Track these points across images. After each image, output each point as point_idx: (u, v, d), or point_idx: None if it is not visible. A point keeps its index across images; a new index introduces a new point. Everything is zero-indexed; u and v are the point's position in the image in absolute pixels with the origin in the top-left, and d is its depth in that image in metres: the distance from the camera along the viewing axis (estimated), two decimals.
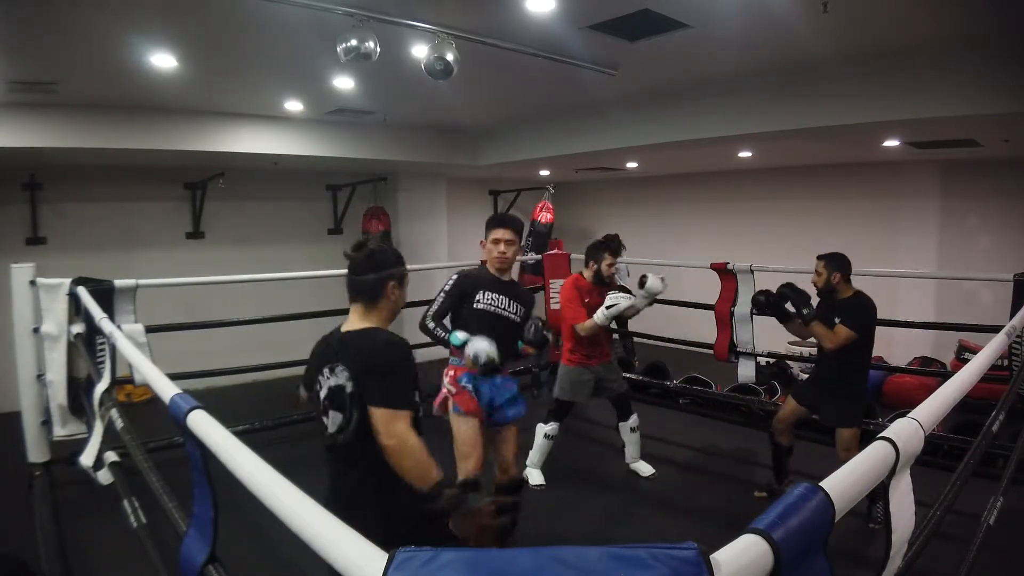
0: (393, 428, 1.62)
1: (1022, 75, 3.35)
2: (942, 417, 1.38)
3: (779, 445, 3.62)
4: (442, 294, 2.86)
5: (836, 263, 3.32)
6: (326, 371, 1.75)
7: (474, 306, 2.83)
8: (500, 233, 2.88)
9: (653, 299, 3.81)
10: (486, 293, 2.85)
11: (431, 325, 2.80)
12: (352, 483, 1.74)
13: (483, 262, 3.00)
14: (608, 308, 3.59)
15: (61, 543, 3.03)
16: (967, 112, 3.59)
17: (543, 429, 4.03)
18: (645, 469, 4.10)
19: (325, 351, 1.80)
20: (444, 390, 2.90)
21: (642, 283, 3.79)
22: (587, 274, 3.89)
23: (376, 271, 1.78)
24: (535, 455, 4.03)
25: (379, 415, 1.63)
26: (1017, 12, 2.88)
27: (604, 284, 3.85)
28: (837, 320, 3.27)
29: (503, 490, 2.90)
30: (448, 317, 2.87)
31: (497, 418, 2.91)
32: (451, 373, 2.91)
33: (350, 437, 1.70)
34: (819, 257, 3.38)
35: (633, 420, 4.05)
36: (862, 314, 3.27)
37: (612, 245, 3.86)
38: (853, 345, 3.22)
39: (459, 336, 2.70)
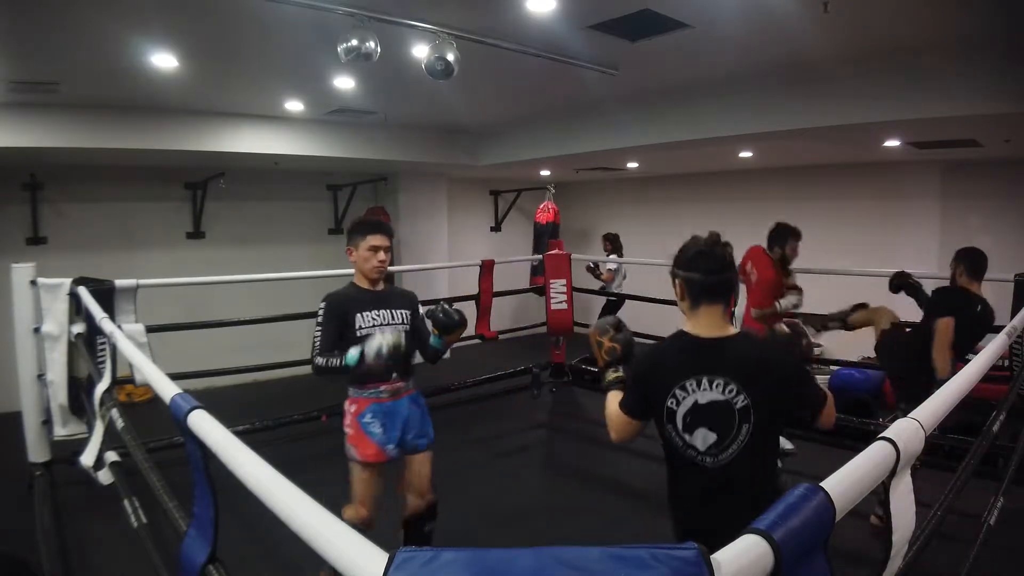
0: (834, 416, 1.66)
1: (1022, 75, 3.35)
2: (943, 417, 1.38)
3: None
4: (318, 328, 2.48)
5: (961, 257, 3.28)
6: (692, 383, 1.56)
7: (357, 334, 2.47)
8: (379, 239, 2.53)
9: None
10: (365, 314, 2.51)
11: (320, 361, 2.42)
12: (732, 507, 1.51)
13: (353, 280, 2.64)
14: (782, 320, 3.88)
15: (62, 543, 3.04)
16: (968, 112, 3.58)
17: None
18: (785, 444, 4.08)
19: (688, 360, 1.59)
20: (345, 428, 2.56)
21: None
22: (774, 259, 4.05)
23: (733, 268, 1.66)
24: None
25: (826, 411, 1.63)
26: (1018, 12, 2.88)
27: (787, 270, 4.05)
28: None
29: (416, 519, 2.64)
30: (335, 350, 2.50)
31: (409, 447, 2.63)
32: (352, 409, 2.55)
33: (734, 456, 1.54)
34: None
35: None
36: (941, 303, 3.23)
37: (795, 229, 4.06)
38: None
39: (353, 352, 2.35)
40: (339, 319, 2.49)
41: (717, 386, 1.54)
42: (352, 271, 2.62)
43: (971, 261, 3.20)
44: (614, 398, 1.77)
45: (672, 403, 1.58)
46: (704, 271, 1.60)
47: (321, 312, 2.49)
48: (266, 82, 4.35)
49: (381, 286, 2.61)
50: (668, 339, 1.69)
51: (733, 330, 1.62)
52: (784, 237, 4.02)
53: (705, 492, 1.59)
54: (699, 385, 1.56)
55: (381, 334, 2.38)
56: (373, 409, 2.53)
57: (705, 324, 1.61)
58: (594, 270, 7.04)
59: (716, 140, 4.88)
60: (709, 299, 1.61)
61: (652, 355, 1.70)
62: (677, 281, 1.67)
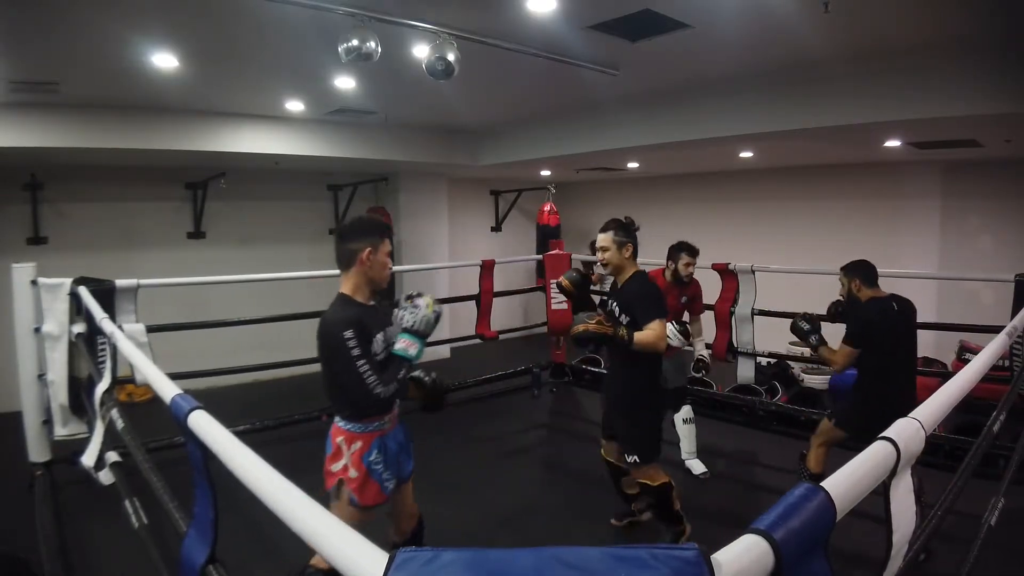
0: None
1: (1022, 75, 3.35)
2: (943, 417, 1.38)
3: None
4: (360, 360, 2.03)
5: (852, 270, 3.23)
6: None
7: (377, 359, 2.15)
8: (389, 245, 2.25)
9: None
10: (377, 336, 2.18)
11: (387, 388, 2.07)
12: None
13: (344, 293, 2.21)
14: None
15: (62, 543, 3.04)
16: (968, 112, 3.58)
17: (677, 417, 4.10)
18: (698, 468, 4.03)
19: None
20: (337, 466, 2.17)
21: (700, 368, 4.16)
22: (667, 273, 4.00)
23: None
24: (691, 446, 4.12)
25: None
26: (1018, 12, 2.87)
27: (683, 284, 3.97)
28: None
29: (412, 539, 2.46)
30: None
31: (402, 477, 2.37)
32: (354, 448, 2.16)
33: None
34: (840, 268, 3.31)
35: (685, 411, 4.07)
36: (853, 323, 3.17)
37: (690, 246, 3.97)
38: (860, 356, 3.12)
39: (403, 344, 2.13)
40: (368, 341, 2.12)
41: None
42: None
43: (863, 272, 3.20)
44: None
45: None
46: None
47: (351, 341, 2.02)
48: (266, 82, 4.35)
49: (374, 297, 2.30)
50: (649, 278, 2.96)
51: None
52: (676, 253, 3.99)
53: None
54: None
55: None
56: (378, 445, 2.19)
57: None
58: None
59: (716, 140, 4.88)
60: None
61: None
62: (629, 245, 2.89)
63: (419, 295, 2.25)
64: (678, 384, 4.03)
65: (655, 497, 2.94)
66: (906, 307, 3.18)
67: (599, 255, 2.93)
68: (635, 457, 2.88)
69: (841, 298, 3.43)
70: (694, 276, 4.04)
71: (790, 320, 3.46)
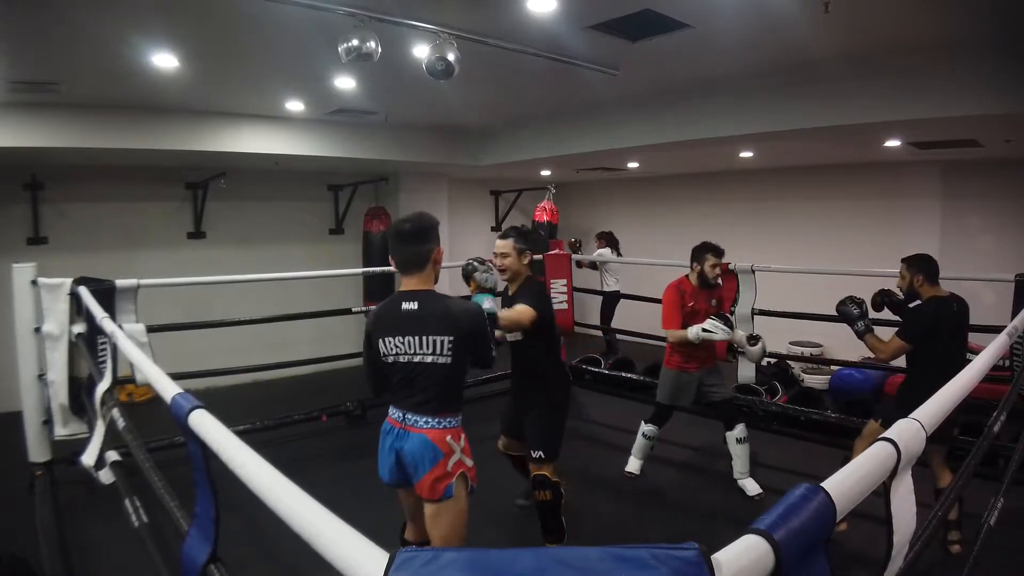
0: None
1: (1022, 75, 3.35)
2: (944, 417, 1.38)
3: None
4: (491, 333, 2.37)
5: (917, 265, 3.13)
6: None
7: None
8: None
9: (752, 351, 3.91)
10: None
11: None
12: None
13: (433, 290, 2.35)
14: (704, 331, 3.55)
15: (62, 542, 3.04)
16: (968, 112, 3.58)
17: (642, 428, 4.08)
18: (752, 488, 3.76)
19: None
20: (453, 463, 2.17)
21: (754, 341, 3.89)
22: (692, 277, 3.83)
23: None
24: (636, 450, 4.12)
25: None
26: (1018, 12, 2.88)
27: (709, 286, 3.82)
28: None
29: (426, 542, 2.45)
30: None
31: None
32: (462, 438, 2.23)
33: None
34: (902, 260, 3.21)
35: (739, 430, 3.76)
36: (913, 320, 3.09)
37: (715, 246, 3.81)
38: (909, 353, 3.07)
39: (489, 304, 2.39)
40: None
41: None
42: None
43: (928, 268, 3.12)
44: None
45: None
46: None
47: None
48: (267, 82, 4.35)
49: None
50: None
51: None
52: (701, 254, 3.81)
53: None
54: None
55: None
56: None
57: None
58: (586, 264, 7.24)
59: (716, 140, 4.88)
60: None
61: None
62: (528, 252, 2.98)
63: (482, 261, 2.67)
64: (725, 396, 3.88)
65: (552, 494, 2.98)
66: (964, 309, 3.12)
67: (498, 260, 2.99)
68: (540, 453, 2.97)
69: (894, 290, 3.33)
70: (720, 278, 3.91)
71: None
